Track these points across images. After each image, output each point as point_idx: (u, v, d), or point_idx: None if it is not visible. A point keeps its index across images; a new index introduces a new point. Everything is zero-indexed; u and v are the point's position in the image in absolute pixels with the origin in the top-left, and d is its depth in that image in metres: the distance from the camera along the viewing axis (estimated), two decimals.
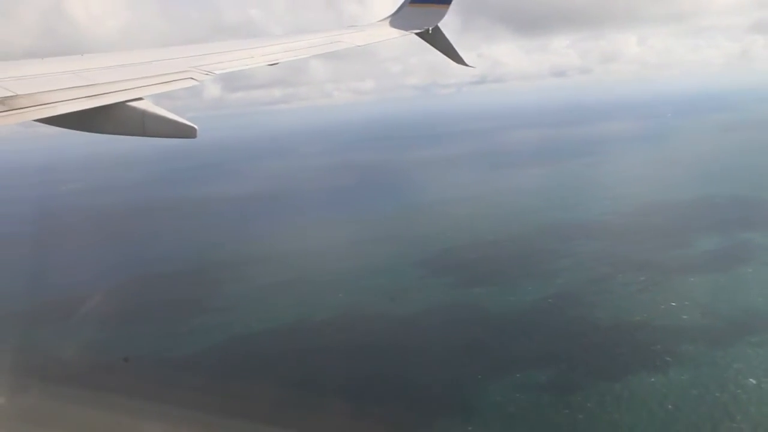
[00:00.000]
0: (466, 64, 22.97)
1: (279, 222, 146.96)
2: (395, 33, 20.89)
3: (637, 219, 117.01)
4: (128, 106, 10.42)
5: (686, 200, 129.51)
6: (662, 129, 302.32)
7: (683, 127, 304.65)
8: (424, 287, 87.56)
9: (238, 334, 76.59)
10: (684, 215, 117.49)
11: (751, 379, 56.07)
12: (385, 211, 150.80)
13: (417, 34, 21.36)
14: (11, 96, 9.24)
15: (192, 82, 12.16)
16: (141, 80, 11.46)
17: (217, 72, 13.01)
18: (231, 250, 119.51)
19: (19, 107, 9.03)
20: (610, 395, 54.67)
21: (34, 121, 9.27)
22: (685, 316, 70.91)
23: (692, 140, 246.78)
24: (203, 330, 78.80)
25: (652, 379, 56.98)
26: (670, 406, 52.00)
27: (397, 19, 21.74)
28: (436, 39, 21.81)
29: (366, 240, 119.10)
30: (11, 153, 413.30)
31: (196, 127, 10.44)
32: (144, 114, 10.40)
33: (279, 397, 59.37)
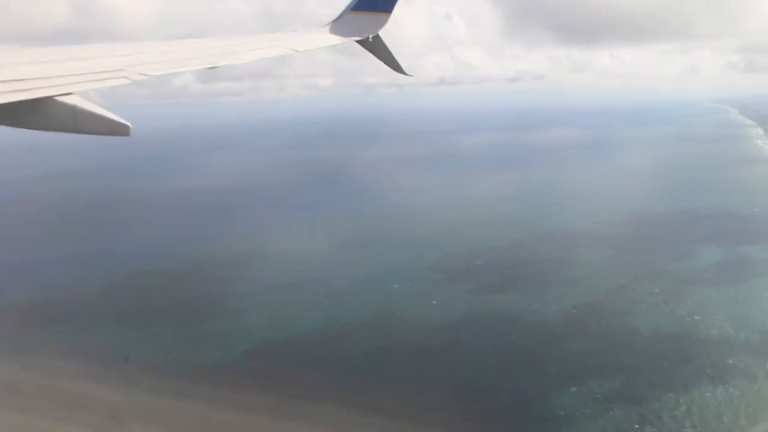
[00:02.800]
0: (405, 73, 23.39)
1: (259, 219, 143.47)
2: (335, 39, 21.01)
3: (631, 229, 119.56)
4: (57, 101, 10.27)
5: (671, 212, 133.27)
6: (611, 138, 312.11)
7: (631, 137, 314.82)
8: (447, 293, 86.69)
9: (266, 338, 73.62)
10: (675, 226, 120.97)
11: None
12: (364, 212, 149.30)
13: (357, 41, 21.52)
14: None
15: (125, 81, 12.01)
16: (73, 76, 11.29)
17: (151, 74, 12.80)
18: (221, 248, 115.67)
19: None
20: (678, 409, 55.24)
21: None
22: (714, 330, 72.31)
23: (642, 151, 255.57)
24: (224, 334, 75.28)
25: (711, 393, 57.86)
26: (743, 421, 52.88)
27: (338, 26, 21.82)
28: (376, 47, 22.06)
29: (361, 241, 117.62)
30: None
31: (129, 125, 10.59)
32: (75, 110, 10.37)
33: (331, 410, 57.59)
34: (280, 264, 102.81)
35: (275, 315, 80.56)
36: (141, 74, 12.44)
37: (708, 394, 57.92)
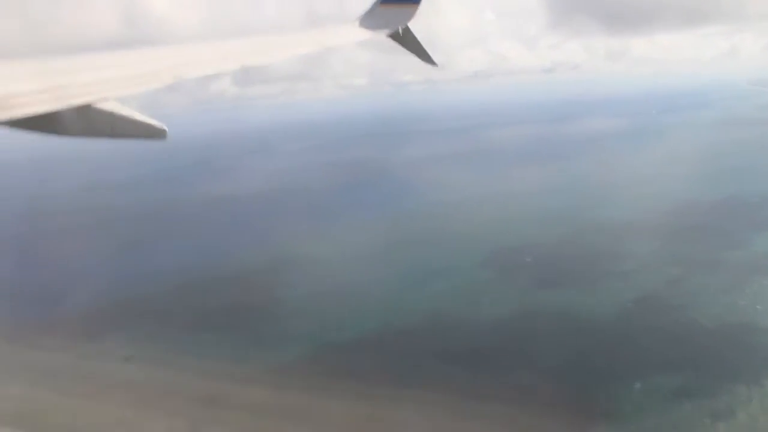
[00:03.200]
0: (435, 64, 23.02)
1: (299, 222, 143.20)
2: (365, 34, 20.62)
3: (679, 218, 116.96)
4: (94, 107, 10.34)
5: (719, 198, 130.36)
6: (649, 126, 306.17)
7: (670, 123, 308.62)
8: (499, 290, 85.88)
9: (318, 344, 73.35)
10: (726, 214, 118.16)
11: None
12: (406, 211, 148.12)
13: (387, 34, 21.15)
14: None
15: (159, 85, 12.03)
16: (110, 82, 11.40)
17: (187, 76, 12.87)
18: (265, 253, 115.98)
19: None
20: (751, 402, 53.81)
21: None
22: None
23: (682, 137, 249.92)
24: (292, 337, 75.06)
25: None
26: None
27: (367, 20, 21.38)
28: (406, 39, 21.70)
29: (406, 241, 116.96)
30: None
31: (165, 128, 10.74)
32: (112, 115, 10.50)
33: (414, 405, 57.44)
34: (325, 268, 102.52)
35: (324, 320, 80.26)
36: (175, 77, 12.51)
37: None
